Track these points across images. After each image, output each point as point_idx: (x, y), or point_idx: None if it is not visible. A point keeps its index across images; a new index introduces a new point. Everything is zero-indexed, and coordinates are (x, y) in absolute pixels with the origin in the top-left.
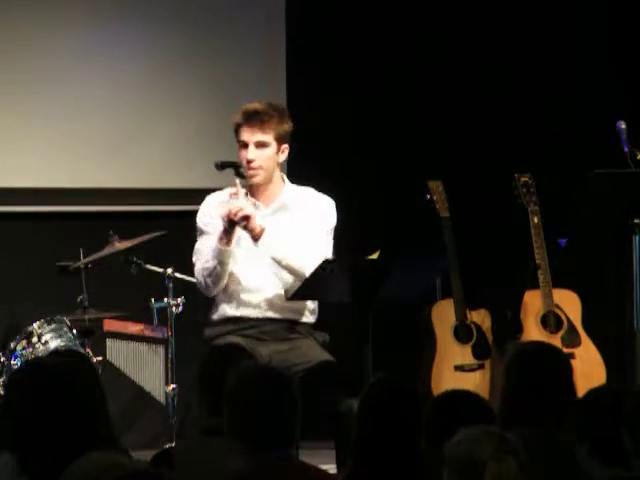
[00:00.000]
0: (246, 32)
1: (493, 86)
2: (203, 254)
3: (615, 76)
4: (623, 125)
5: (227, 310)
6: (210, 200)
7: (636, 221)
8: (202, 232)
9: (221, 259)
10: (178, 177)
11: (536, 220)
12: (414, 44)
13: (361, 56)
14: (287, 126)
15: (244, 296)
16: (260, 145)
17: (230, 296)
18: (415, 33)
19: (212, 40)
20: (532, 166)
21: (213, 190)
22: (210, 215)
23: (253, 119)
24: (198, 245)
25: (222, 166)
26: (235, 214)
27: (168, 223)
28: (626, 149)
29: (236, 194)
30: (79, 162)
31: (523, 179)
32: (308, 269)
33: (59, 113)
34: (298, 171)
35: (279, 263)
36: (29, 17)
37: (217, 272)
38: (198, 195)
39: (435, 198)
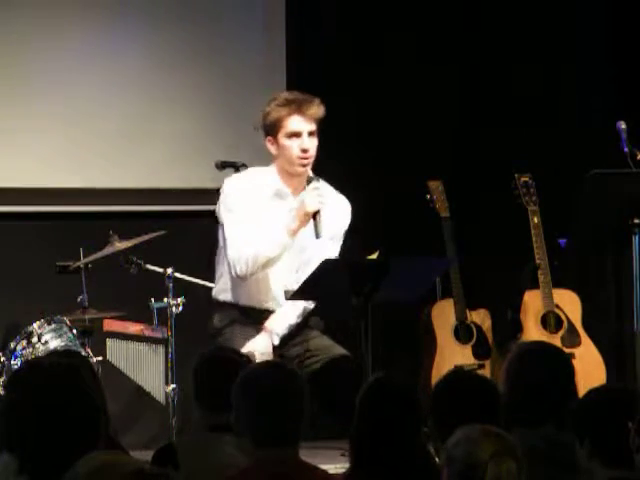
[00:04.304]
0: (246, 32)
1: (493, 86)
2: (257, 240)
3: (615, 76)
4: (623, 125)
5: (240, 298)
6: (239, 181)
7: (636, 221)
8: (238, 213)
9: (284, 250)
10: (178, 177)
11: (536, 220)
12: (414, 44)
13: (361, 56)
14: (323, 114)
15: (264, 288)
16: (311, 134)
17: (249, 284)
18: (415, 33)
19: (212, 40)
20: (532, 166)
21: (213, 190)
22: (245, 197)
23: (305, 108)
24: (240, 229)
25: (222, 166)
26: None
27: (168, 223)
28: (626, 149)
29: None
30: (79, 162)
31: (523, 179)
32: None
33: (59, 113)
34: None
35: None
36: (29, 17)
37: (274, 261)
38: (198, 195)
39: (435, 198)
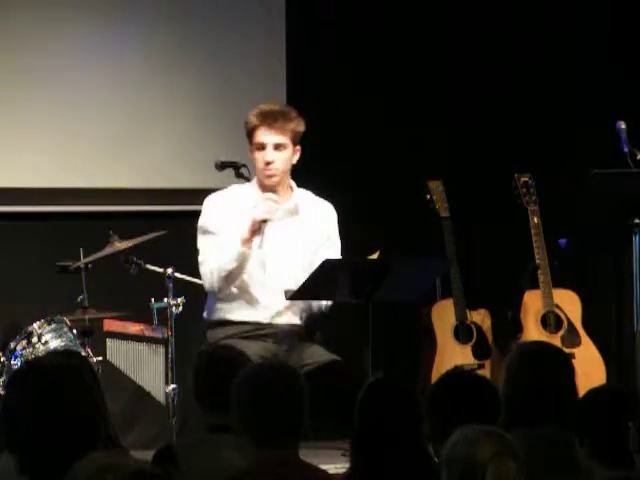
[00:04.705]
0: (246, 32)
1: (493, 86)
2: (219, 254)
3: (615, 76)
4: (623, 125)
5: (231, 314)
6: (215, 199)
7: (636, 221)
8: (211, 232)
9: (242, 261)
10: (178, 177)
11: (536, 220)
12: (414, 43)
13: (361, 56)
14: (301, 127)
15: (251, 301)
16: (278, 147)
17: (236, 299)
18: (415, 32)
19: (212, 40)
20: (532, 166)
21: (213, 190)
22: (218, 215)
23: (271, 120)
24: (209, 245)
25: (222, 166)
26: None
27: (168, 223)
28: (626, 149)
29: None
30: (79, 162)
31: (523, 179)
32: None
33: (59, 113)
34: (298, 171)
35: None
36: (30, 16)
37: (235, 274)
38: (198, 195)
39: (435, 198)
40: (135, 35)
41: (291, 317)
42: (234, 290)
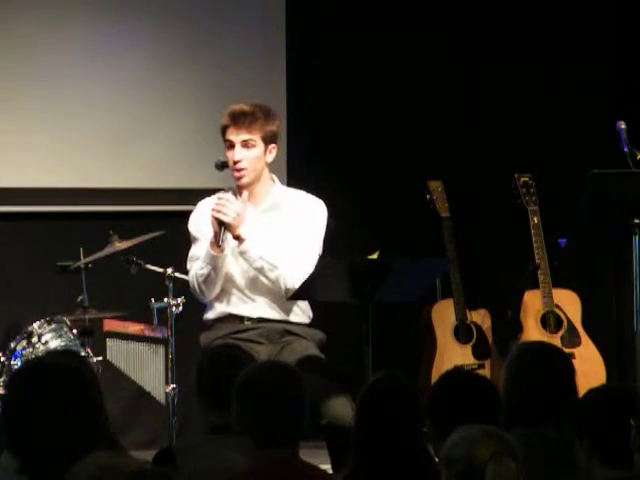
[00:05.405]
0: (246, 32)
1: (493, 86)
2: (197, 260)
3: (615, 76)
4: (623, 125)
5: (221, 307)
6: (201, 206)
7: (636, 221)
8: (195, 238)
9: (215, 265)
10: (178, 177)
11: (536, 220)
12: (414, 44)
13: (361, 56)
14: (274, 126)
15: (239, 295)
16: (246, 145)
17: (224, 295)
18: (415, 33)
19: (212, 40)
20: (532, 166)
21: (213, 190)
22: (201, 221)
23: (239, 119)
24: (192, 251)
25: (222, 166)
26: (217, 212)
27: (168, 223)
28: (626, 149)
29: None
30: (79, 162)
31: (523, 179)
32: (286, 278)
33: (59, 113)
34: (298, 171)
35: (258, 272)
36: (30, 16)
37: (212, 278)
38: (198, 195)
39: (435, 198)
40: (135, 36)
41: (280, 312)
42: (224, 287)
